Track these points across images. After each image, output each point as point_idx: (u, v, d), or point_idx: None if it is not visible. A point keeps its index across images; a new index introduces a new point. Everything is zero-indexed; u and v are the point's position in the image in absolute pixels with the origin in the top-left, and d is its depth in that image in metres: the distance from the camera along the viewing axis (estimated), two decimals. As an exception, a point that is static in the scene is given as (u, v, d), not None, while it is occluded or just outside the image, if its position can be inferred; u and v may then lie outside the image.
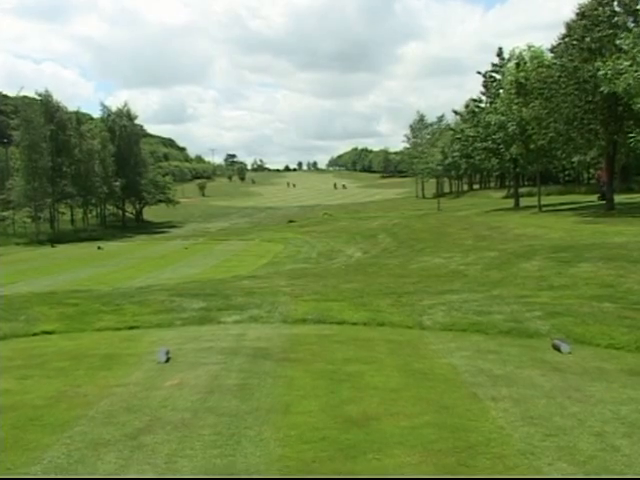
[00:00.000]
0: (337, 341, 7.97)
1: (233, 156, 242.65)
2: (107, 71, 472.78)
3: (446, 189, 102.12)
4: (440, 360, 6.89)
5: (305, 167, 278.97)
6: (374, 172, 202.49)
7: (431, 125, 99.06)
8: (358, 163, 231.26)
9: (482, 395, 5.45)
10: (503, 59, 46.34)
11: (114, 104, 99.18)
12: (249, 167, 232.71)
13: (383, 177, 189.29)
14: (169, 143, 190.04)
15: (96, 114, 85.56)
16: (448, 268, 17.67)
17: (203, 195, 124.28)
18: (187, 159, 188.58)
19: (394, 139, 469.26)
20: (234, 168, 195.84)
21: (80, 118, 69.08)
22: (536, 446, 4.29)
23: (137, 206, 79.10)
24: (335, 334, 8.51)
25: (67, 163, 63.68)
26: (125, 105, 78.56)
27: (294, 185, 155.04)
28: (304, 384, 5.81)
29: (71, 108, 68.14)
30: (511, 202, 46.64)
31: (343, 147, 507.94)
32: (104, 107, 78.90)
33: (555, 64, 31.96)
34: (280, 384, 5.83)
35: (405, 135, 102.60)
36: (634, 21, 29.83)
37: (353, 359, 6.89)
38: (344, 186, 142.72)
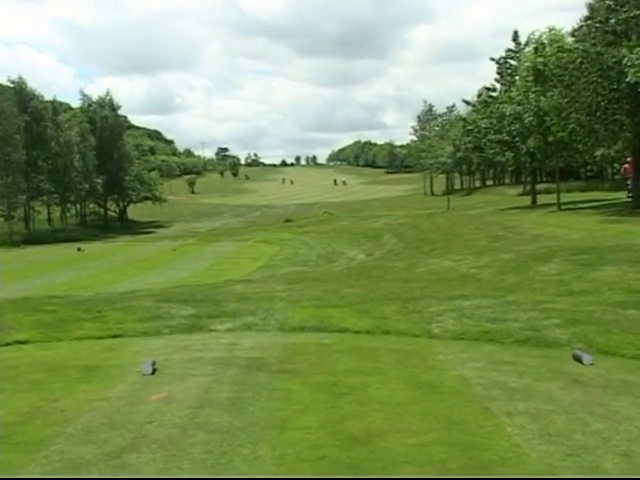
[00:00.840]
0: (338, 351, 7.96)
1: (225, 150, 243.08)
2: (87, 56, 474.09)
3: (457, 186, 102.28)
4: (450, 372, 6.88)
5: (303, 162, 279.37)
6: (378, 167, 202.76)
7: (441, 116, 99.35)
8: (361, 157, 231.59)
9: (496, 410, 5.44)
10: (519, 44, 46.39)
11: (95, 93, 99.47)
12: (242, 162, 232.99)
13: (388, 173, 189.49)
14: (155, 135, 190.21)
15: (75, 103, 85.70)
16: (459, 271, 17.67)
17: (192, 192, 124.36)
18: (175, 153, 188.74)
19: (400, 131, 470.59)
20: (226, 163, 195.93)
21: (57, 108, 69.14)
22: (556, 466, 4.28)
23: (120, 204, 79.17)
24: (336, 343, 8.50)
25: (43, 157, 63.70)
26: (107, 94, 78.75)
27: (291, 181, 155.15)
28: (302, 398, 5.81)
29: (47, 97, 68.32)
30: (527, 200, 46.68)
31: (345, 140, 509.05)
32: (84, 96, 79.06)
33: (576, 49, 31.94)
34: (276, 398, 5.82)
35: (412, 127, 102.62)
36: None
37: (355, 370, 6.88)
38: (344, 182, 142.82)
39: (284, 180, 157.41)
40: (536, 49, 38.34)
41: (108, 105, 77.15)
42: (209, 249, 37.35)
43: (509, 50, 46.80)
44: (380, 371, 6.89)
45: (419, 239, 29.94)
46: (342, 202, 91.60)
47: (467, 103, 55.01)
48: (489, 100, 45.41)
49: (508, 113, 40.28)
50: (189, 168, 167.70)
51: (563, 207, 36.03)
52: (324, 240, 36.86)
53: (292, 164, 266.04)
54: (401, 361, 7.47)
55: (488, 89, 48.09)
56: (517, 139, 41.17)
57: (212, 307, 11.61)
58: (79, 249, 40.91)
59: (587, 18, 32.31)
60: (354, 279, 18.11)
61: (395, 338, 9.02)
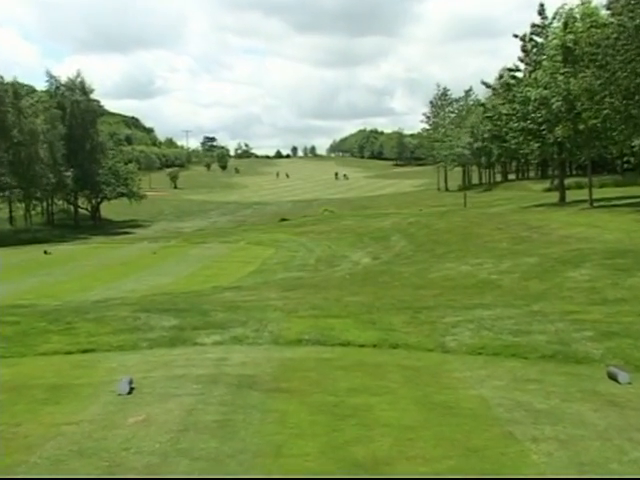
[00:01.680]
0: (340, 367, 7.95)
1: (212, 139, 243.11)
2: (55, 32, 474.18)
3: (475, 180, 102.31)
4: (467, 391, 6.87)
5: (301, 153, 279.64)
6: (386, 159, 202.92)
7: (457, 101, 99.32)
8: (366, 148, 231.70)
9: (520, 435, 5.43)
10: (546, 18, 46.36)
11: (64, 74, 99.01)
12: (232, 153, 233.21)
13: (397, 165, 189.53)
14: (133, 123, 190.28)
15: (41, 86, 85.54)
16: (477, 277, 17.67)
17: (175, 187, 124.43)
18: (155, 143, 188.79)
19: (411, 118, 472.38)
20: (213, 154, 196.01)
21: (20, 91, 68.84)
22: (587, 498, 4.28)
23: (93, 201, 79.16)
24: (337, 358, 8.49)
25: (3, 147, 63.60)
26: (78, 75, 78.73)
27: (287, 175, 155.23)
28: (299, 420, 5.80)
29: (7, 78, 68.03)
30: (555, 196, 46.70)
31: (348, 128, 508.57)
32: (51, 78, 78.94)
33: (612, 23, 31.93)
34: (270, 420, 5.82)
35: (424, 113, 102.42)
36: None
37: (360, 389, 6.87)
38: (345, 176, 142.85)
39: (279, 174, 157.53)
40: (565, 24, 38.40)
41: (79, 88, 77.20)
42: (194, 252, 37.35)
43: (535, 25, 46.76)
44: (387, 390, 6.87)
45: (432, 240, 29.95)
46: (344, 199, 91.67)
47: (487, 86, 54.87)
48: (512, 83, 45.42)
49: (533, 97, 40.30)
50: (171, 160, 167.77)
51: (596, 204, 36.05)
52: (324, 242, 36.87)
53: (288, 156, 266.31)
54: (411, 379, 7.46)
55: (511, 70, 48.04)
56: (543, 127, 41.18)
57: (197, 317, 11.60)
58: (46, 252, 40.91)
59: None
60: (358, 286, 18.10)
61: (404, 353, 9.01)
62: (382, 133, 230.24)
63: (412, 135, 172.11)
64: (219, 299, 15.31)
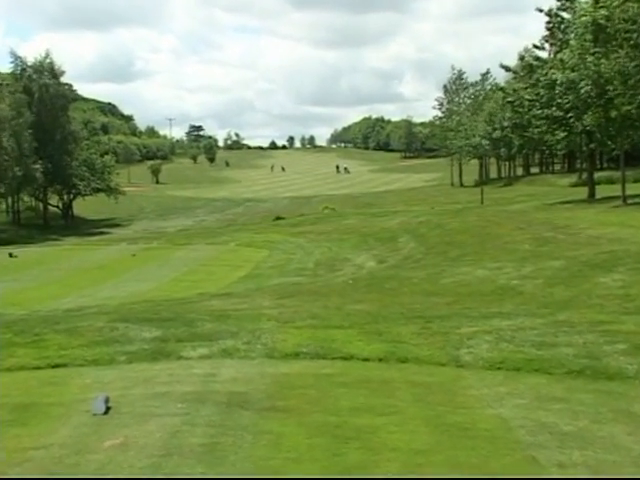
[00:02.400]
0: (342, 383, 7.96)
1: (199, 128, 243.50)
2: (20, 6, 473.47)
3: (493, 174, 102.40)
4: (485, 411, 6.87)
5: (298, 144, 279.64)
6: (393, 151, 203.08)
7: (473, 85, 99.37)
8: (371, 138, 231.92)
9: (544, 460, 5.43)
10: (573, -8, 46.39)
11: (31, 54, 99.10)
12: (221, 144, 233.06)
13: (405, 157, 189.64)
14: (110, 110, 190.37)
15: (4, 68, 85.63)
16: (496, 283, 17.67)
17: (157, 182, 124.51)
18: (135, 132, 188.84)
19: (422, 105, 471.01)
20: (200, 145, 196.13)
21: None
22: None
23: (65, 197, 79.21)
24: (339, 374, 8.49)
25: (-37, 137, 63.60)
26: (47, 56, 78.78)
27: (283, 168, 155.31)
28: (297, 443, 5.80)
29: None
30: (583, 192, 46.73)
31: (351, 116, 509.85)
32: (16, 58, 78.94)
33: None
34: (263, 443, 5.82)
35: (437, 99, 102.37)
36: None
37: (364, 409, 6.87)
38: (346, 169, 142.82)
39: (274, 167, 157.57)
40: (596, -1, 38.31)
41: (48, 71, 77.21)
42: (178, 254, 37.36)
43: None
44: (395, 410, 6.87)
45: (445, 242, 29.95)
46: (347, 195, 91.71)
47: (506, 69, 54.84)
48: (535, 64, 45.38)
49: (559, 81, 40.29)
50: (153, 152, 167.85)
51: (630, 201, 36.03)
52: (324, 243, 36.87)
53: (284, 147, 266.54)
54: (422, 397, 7.47)
55: (536, 47, 47.84)
56: (571, 114, 41.18)
57: (182, 328, 11.60)
58: (11, 255, 40.88)
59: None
60: (362, 292, 18.09)
61: (414, 367, 9.01)
62: (389, 121, 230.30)
63: (423, 124, 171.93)
64: (206, 307, 15.30)
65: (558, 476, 4.75)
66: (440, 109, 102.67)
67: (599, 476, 4.81)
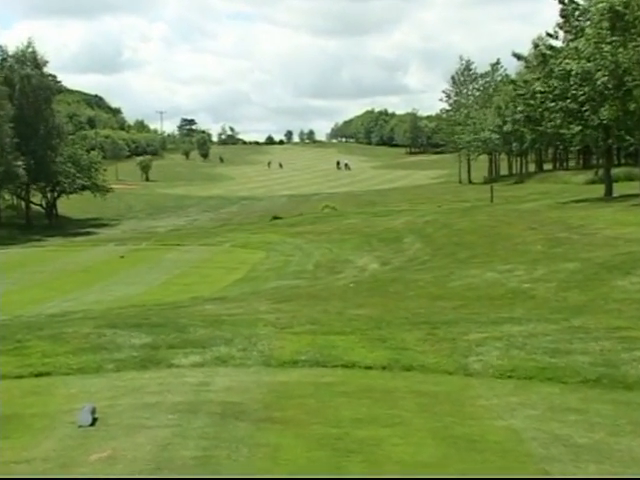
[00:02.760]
0: (343, 393, 7.96)
1: (191, 122, 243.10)
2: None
3: (503, 171, 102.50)
4: (495, 422, 6.88)
5: (297, 138, 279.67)
6: (397, 146, 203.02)
7: (482, 76, 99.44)
8: (374, 133, 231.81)
9: (558, 474, 5.44)
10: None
11: (12, 43, 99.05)
12: (215, 139, 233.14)
13: (411, 153, 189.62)
14: (96, 102, 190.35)
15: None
16: (506, 286, 17.67)
17: (147, 179, 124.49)
18: (123, 126, 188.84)
19: (428, 97, 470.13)
20: (193, 140, 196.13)
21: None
22: None
23: (49, 195, 79.16)
24: (340, 383, 8.50)
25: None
26: (29, 45, 78.73)
27: (280, 165, 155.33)
28: (295, 456, 5.80)
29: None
30: (600, 189, 46.70)
31: (353, 109, 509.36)
32: (-3, 48, 78.98)
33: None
34: (260, 456, 5.83)
35: (444, 91, 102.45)
36: None
37: (366, 420, 6.87)
38: (347, 166, 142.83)
39: (271, 163, 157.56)
40: (614, -16, 38.28)
41: (30, 61, 77.18)
42: (170, 256, 37.35)
43: (576, -14, 46.80)
44: (400, 421, 6.88)
45: (452, 243, 29.96)
46: (348, 193, 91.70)
47: (518, 58, 54.79)
48: (548, 54, 45.36)
49: (574, 72, 40.27)
50: (142, 147, 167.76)
51: (648, 199, 36.02)
52: (324, 244, 36.87)
53: (282, 142, 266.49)
54: (428, 407, 7.47)
55: (549, 35, 47.75)
56: (586, 107, 41.16)
57: (174, 334, 11.60)
58: (-7, 256, 40.89)
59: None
60: (364, 296, 18.09)
61: (420, 376, 9.01)
62: (393, 115, 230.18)
63: (429, 117, 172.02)
64: (199, 312, 15.31)
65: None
66: (447, 102, 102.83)
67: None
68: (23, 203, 78.29)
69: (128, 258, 37.05)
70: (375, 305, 15.78)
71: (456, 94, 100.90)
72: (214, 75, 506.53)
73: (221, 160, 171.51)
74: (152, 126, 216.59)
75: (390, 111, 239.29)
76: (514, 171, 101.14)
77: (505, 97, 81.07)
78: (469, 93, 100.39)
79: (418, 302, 16.09)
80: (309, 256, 33.14)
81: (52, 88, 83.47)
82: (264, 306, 16.28)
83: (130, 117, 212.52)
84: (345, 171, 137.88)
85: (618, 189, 44.04)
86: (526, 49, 63.64)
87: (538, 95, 44.77)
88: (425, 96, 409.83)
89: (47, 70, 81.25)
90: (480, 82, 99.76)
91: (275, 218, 58.41)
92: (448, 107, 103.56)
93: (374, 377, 8.92)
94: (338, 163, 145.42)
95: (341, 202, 73.43)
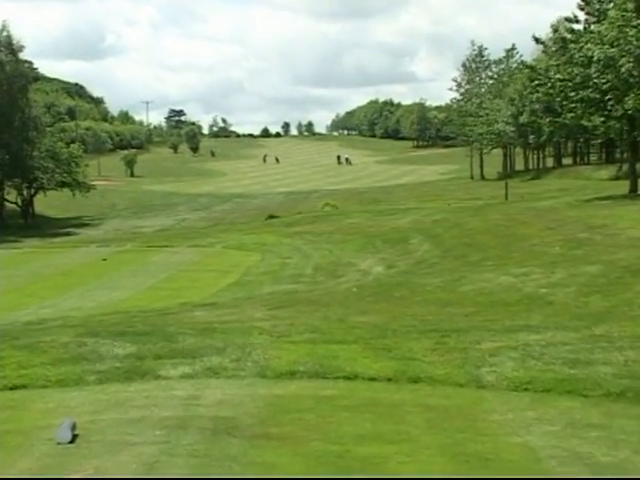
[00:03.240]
0: (345, 407, 7.96)
1: (180, 113, 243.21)
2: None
3: (519, 166, 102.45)
4: (510, 438, 6.88)
5: (295, 131, 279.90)
6: (404, 139, 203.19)
7: (496, 63, 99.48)
8: (379, 124, 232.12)
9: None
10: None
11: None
12: (206, 131, 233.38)
13: (418, 147, 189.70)
14: (77, 91, 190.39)
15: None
16: (522, 291, 17.66)
17: (132, 175, 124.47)
18: (106, 117, 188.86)
19: (437, 86, 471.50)
20: (182, 132, 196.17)
21: None
22: None
23: (25, 192, 79.12)
24: (342, 396, 8.50)
25: None
26: (3, 29, 78.68)
27: (277, 160, 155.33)
28: (293, 476, 5.79)
29: None
30: (624, 186, 46.66)
31: (356, 99, 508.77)
32: (-34, 32, 78.92)
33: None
34: (254, 475, 5.82)
35: (455, 79, 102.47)
36: None
37: (370, 436, 6.87)
38: (348, 160, 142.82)
39: (266, 158, 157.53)
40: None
41: (5, 46, 77.12)
42: (156, 258, 37.33)
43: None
44: (407, 437, 6.87)
45: (463, 244, 29.95)
46: (351, 190, 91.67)
47: (537, 41, 54.69)
48: (569, 38, 45.34)
49: (596, 58, 40.25)
50: (127, 140, 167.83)
51: (676, 197, 36.05)
52: (324, 245, 36.85)
53: (278, 134, 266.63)
54: (437, 422, 7.47)
55: (568, 20, 47.78)
56: (609, 96, 41.14)
57: (161, 343, 11.60)
58: (-36, 259, 40.89)
59: None
60: (368, 302, 18.08)
61: (428, 389, 9.01)
62: (399, 105, 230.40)
63: (438, 108, 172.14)
64: (189, 319, 15.30)
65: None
66: (458, 91, 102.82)
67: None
68: (-3, 201, 78.21)
69: (111, 261, 37.04)
70: (379, 312, 15.78)
71: (468, 82, 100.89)
72: (205, 62, 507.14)
73: (212, 154, 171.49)
74: (137, 117, 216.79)
75: (396, 101, 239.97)
76: (530, 166, 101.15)
77: (521, 86, 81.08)
78: (482, 81, 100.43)
79: (426, 308, 16.09)
80: (308, 258, 33.12)
81: (28, 76, 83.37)
82: (259, 313, 16.28)
83: (114, 108, 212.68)
84: (346, 166, 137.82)
85: (644, 185, 44.01)
86: (544, 33, 63.65)
87: (557, 83, 44.73)
88: (434, 85, 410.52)
89: (23, 56, 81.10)
90: (494, 69, 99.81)
91: (271, 217, 58.42)
92: (459, 97, 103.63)
93: (378, 390, 8.92)
94: (339, 157, 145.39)
95: (343, 200, 73.41)
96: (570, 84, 43.01)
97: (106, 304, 21.67)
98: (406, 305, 16.95)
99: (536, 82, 49.80)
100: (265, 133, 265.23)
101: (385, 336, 11.96)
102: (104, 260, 37.24)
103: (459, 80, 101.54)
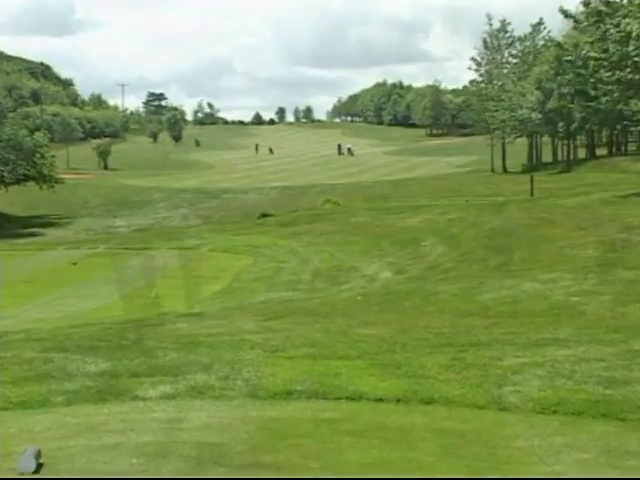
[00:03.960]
0: (348, 431, 7.97)
1: (160, 97, 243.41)
2: None
3: (547, 157, 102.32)
4: (535, 468, 6.87)
5: (291, 117, 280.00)
6: (415, 126, 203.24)
7: (521, 40, 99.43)
8: (387, 110, 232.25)
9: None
10: None
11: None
12: (189, 117, 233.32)
13: (431, 135, 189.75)
14: (42, 72, 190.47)
15: None
16: (550, 300, 17.65)
17: (105, 167, 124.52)
18: (76, 102, 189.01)
19: (453, 66, 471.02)
20: (162, 119, 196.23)
21: None
22: None
23: (-16, 187, 79.19)
24: (345, 419, 8.50)
25: None
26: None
27: (271, 150, 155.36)
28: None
29: None
30: (666, 180, 46.71)
31: (361, 81, 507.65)
32: None
33: None
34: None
35: (474, 59, 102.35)
36: None
37: (377, 465, 6.87)
38: (350, 150, 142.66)
39: (259, 147, 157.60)
40: None
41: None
42: (133, 263, 37.33)
43: None
44: (418, 466, 6.87)
45: (483, 246, 29.96)
46: (355, 184, 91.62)
47: (566, 15, 54.67)
48: (604, 11, 45.32)
49: (635, 33, 40.26)
50: (100, 128, 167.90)
51: None
52: (325, 247, 36.87)
53: (272, 121, 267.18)
54: (453, 449, 7.46)
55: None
56: (649, 78, 41.14)
57: (139, 359, 11.59)
58: None
59: None
60: (375, 312, 18.08)
61: (443, 411, 9.01)
62: (410, 88, 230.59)
63: (455, 91, 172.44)
64: (171, 332, 15.29)
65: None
66: (477, 71, 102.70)
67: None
68: (-49, 197, 78.30)
69: (82, 265, 37.02)
70: (387, 323, 15.77)
71: (488, 62, 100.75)
72: (189, 39, 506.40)
73: (197, 144, 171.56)
74: (112, 102, 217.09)
75: (406, 83, 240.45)
76: (559, 157, 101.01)
77: (548, 66, 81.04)
78: (504, 61, 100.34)
79: (440, 319, 16.08)
80: (306, 263, 33.13)
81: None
82: (250, 324, 16.28)
83: (84, 91, 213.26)
84: (348, 157, 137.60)
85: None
86: (574, 6, 63.60)
87: (591, 62, 44.72)
88: (450, 65, 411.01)
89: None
90: (518, 47, 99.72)
91: (264, 215, 58.41)
92: (478, 78, 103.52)
93: (386, 412, 8.92)
94: (339, 147, 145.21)
95: (346, 196, 73.39)
96: (605, 63, 42.98)
97: (76, 315, 21.66)
98: (418, 316, 16.95)
99: (566, 58, 49.86)
100: (257, 120, 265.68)
101: (394, 351, 11.96)
102: (74, 264, 37.23)
103: (479, 59, 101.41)
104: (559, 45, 57.85)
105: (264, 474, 6.63)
